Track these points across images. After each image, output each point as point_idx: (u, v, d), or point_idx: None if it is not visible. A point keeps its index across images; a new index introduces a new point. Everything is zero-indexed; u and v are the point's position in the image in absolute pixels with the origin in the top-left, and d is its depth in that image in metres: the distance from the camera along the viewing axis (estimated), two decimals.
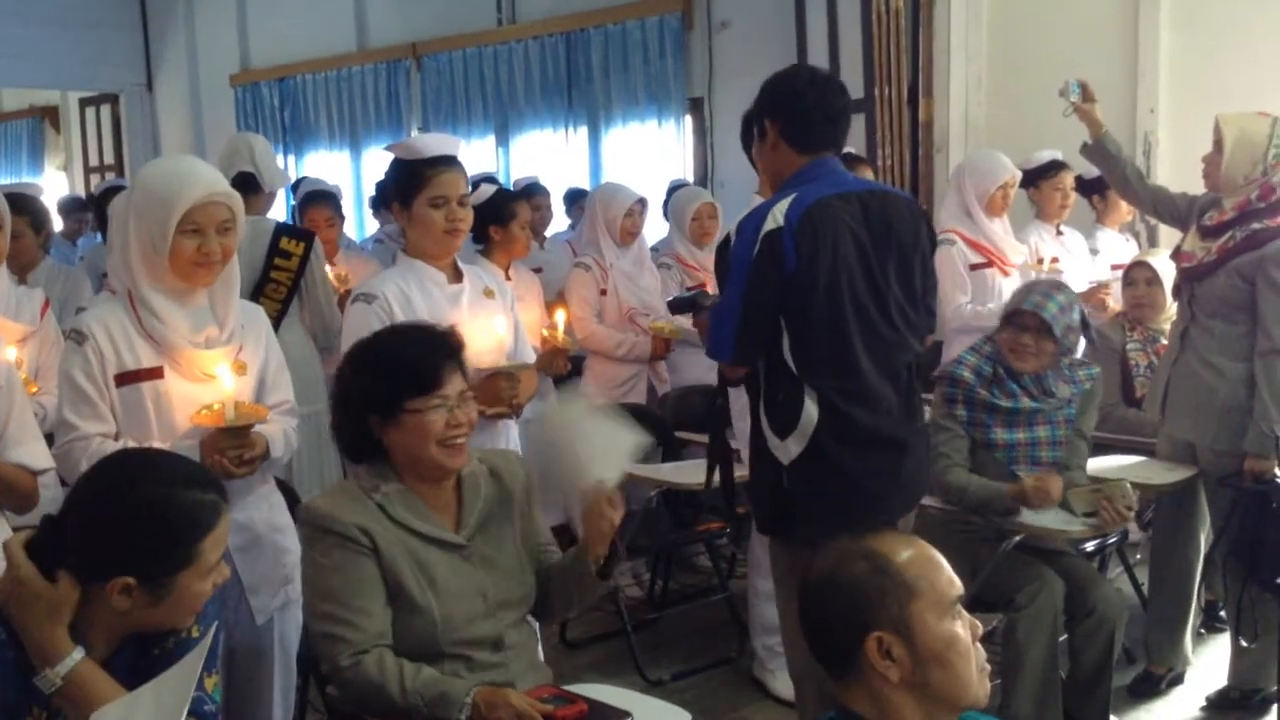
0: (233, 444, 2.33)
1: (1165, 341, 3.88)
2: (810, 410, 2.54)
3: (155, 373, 2.37)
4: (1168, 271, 3.95)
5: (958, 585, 1.60)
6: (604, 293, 4.67)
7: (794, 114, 2.60)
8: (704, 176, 7.10)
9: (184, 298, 2.40)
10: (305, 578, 2.20)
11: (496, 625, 2.21)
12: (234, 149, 4.14)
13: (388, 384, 2.16)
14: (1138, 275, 4.23)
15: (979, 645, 1.59)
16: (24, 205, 3.93)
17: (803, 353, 2.55)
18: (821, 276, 2.51)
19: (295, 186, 7.62)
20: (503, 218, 4.14)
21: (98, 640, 1.72)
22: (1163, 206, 3.78)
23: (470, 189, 4.85)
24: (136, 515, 1.69)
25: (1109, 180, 4.00)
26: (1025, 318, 3.22)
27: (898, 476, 2.65)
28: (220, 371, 2.35)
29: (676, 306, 3.87)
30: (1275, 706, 3.37)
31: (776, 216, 2.50)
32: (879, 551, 1.59)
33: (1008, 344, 3.25)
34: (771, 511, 2.68)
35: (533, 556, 2.34)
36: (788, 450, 2.58)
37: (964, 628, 1.57)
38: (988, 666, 1.60)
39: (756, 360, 2.62)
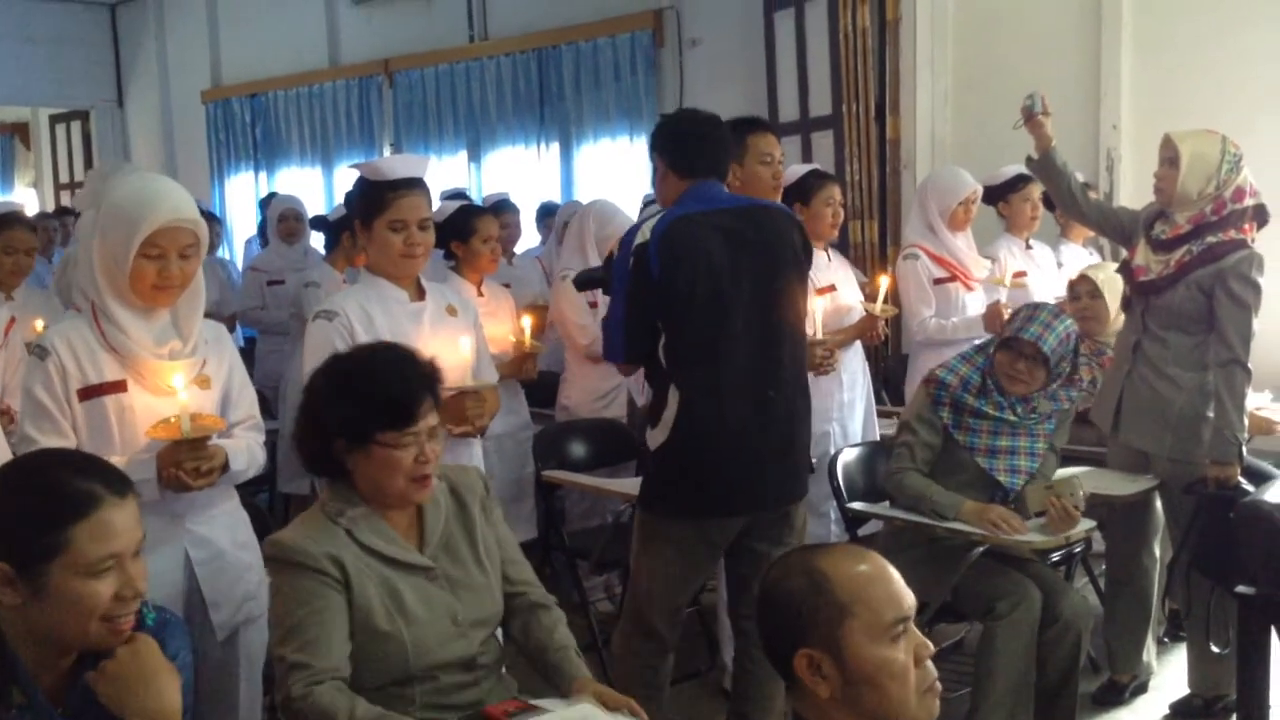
0: (189, 456, 2.33)
1: (1112, 354, 3.92)
2: (672, 404, 2.86)
3: (118, 386, 2.37)
4: (1111, 284, 4.01)
5: (903, 605, 1.58)
6: (594, 305, 4.66)
7: (675, 147, 2.96)
8: None
9: (148, 311, 2.41)
10: (271, 606, 2.17)
11: (469, 645, 2.20)
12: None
13: (361, 413, 2.11)
14: (1080, 288, 4.28)
15: (928, 664, 1.58)
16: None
17: (671, 351, 2.87)
18: (681, 284, 2.82)
19: (266, 202, 7.65)
20: (464, 234, 4.14)
21: (39, 657, 1.69)
22: (1106, 221, 3.84)
23: (443, 201, 4.89)
24: (5, 496, 1.65)
25: (1053, 195, 4.03)
26: (1024, 345, 3.24)
27: (754, 470, 2.89)
28: (177, 382, 2.34)
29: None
30: (1236, 714, 3.40)
31: (645, 232, 2.86)
32: (820, 569, 1.59)
33: (1002, 367, 3.28)
34: (643, 491, 3.03)
35: (498, 570, 2.33)
36: (655, 438, 2.91)
37: (904, 650, 1.56)
38: (938, 686, 1.59)
39: (646, 358, 2.94)
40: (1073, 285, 4.36)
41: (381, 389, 2.13)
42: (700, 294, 2.83)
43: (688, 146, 2.95)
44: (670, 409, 2.86)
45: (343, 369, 2.22)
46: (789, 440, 2.97)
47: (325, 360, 2.28)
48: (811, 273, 4.00)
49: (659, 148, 2.99)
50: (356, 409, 2.12)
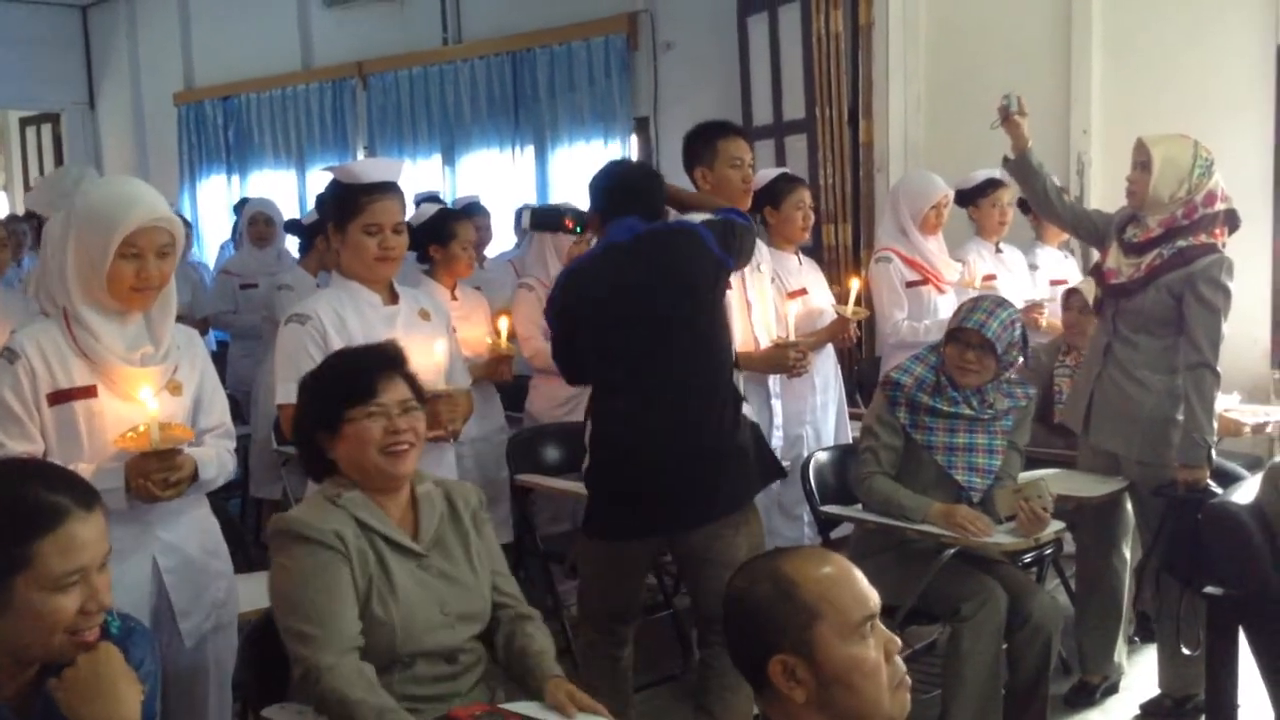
0: (158, 467, 2.31)
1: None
2: (589, 427, 3.07)
3: (89, 391, 2.35)
4: None
5: (869, 604, 1.60)
6: None
7: (602, 194, 3.16)
8: None
9: (120, 316, 2.39)
10: (273, 589, 2.19)
11: (454, 636, 2.24)
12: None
13: (327, 395, 2.25)
14: (1072, 302, 4.33)
15: (897, 660, 1.60)
16: None
17: (592, 379, 3.09)
18: (585, 316, 3.03)
19: (241, 206, 7.61)
20: (443, 237, 4.13)
21: (1, 667, 1.68)
22: (1080, 223, 3.87)
23: (416, 206, 4.88)
24: None
25: (1028, 196, 4.06)
26: (969, 335, 3.28)
27: (667, 492, 2.97)
28: (145, 394, 2.33)
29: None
30: (1205, 713, 3.43)
31: (564, 272, 3.19)
32: (785, 573, 1.59)
33: (952, 360, 3.32)
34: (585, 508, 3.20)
35: (489, 576, 2.36)
36: (586, 461, 3.11)
37: (874, 647, 1.57)
38: (908, 680, 1.61)
39: (586, 381, 3.15)
40: (1065, 298, 4.41)
41: (342, 370, 2.30)
42: (598, 324, 3.01)
43: (613, 192, 3.13)
44: (589, 432, 3.07)
45: (314, 372, 2.39)
46: (711, 455, 2.99)
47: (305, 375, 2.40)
48: (783, 276, 4.05)
49: (593, 199, 3.18)
50: (323, 393, 2.27)
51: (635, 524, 3.03)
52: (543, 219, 3.78)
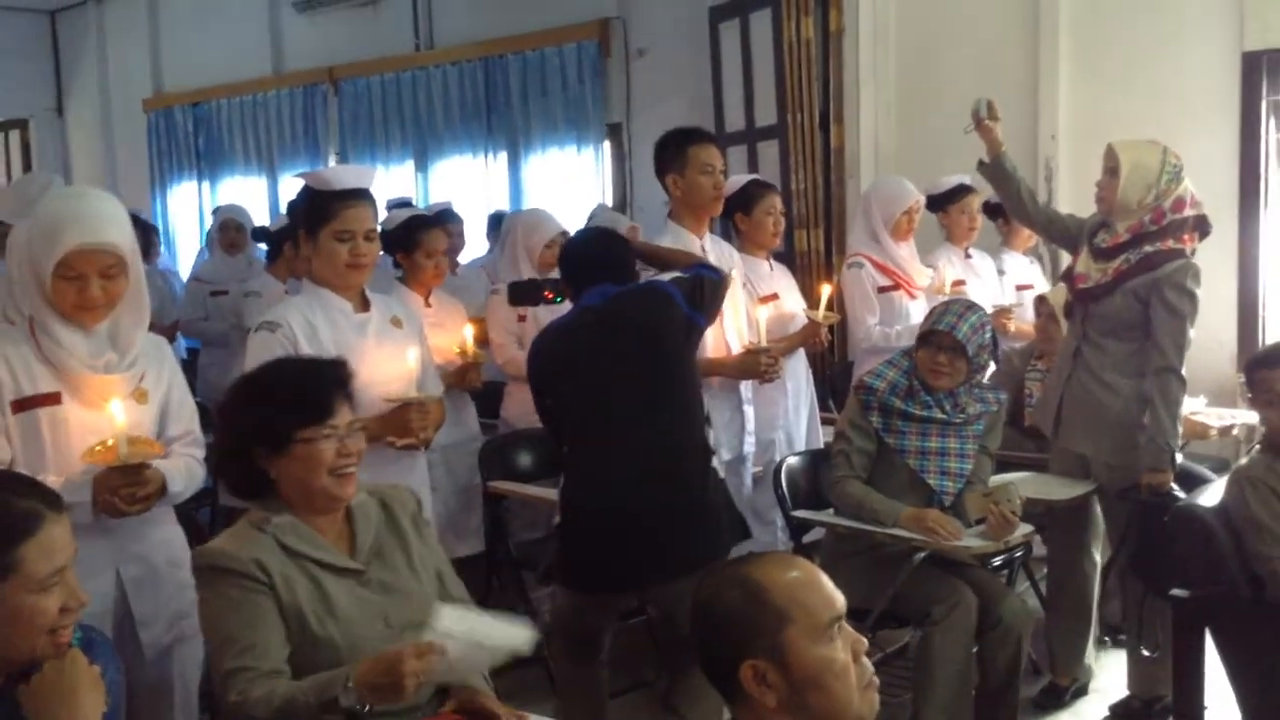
0: (125, 482, 2.29)
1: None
2: (562, 482, 3.14)
3: (53, 398, 2.33)
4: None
5: (836, 605, 1.61)
6: (522, 318, 4.66)
7: (572, 268, 3.26)
8: (623, 201, 7.16)
9: (84, 326, 2.37)
10: (201, 620, 2.15)
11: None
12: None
13: (278, 414, 2.13)
14: (1041, 309, 4.37)
15: (864, 660, 1.61)
16: None
17: (566, 437, 3.15)
18: (560, 376, 3.11)
19: (216, 213, 7.56)
20: (407, 246, 4.12)
21: None
22: (1054, 228, 3.90)
23: (388, 212, 4.86)
24: None
25: (1003, 200, 4.09)
26: (940, 337, 3.31)
27: (636, 549, 2.99)
28: (114, 408, 2.30)
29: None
30: (1172, 714, 3.46)
31: (540, 333, 3.26)
32: (753, 579, 1.60)
33: (924, 363, 3.34)
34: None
35: (434, 581, 2.32)
36: (558, 516, 3.18)
37: (842, 648, 1.58)
38: (875, 680, 1.62)
39: (563, 439, 3.19)
40: (1037, 304, 4.45)
41: (295, 387, 2.17)
42: (570, 388, 3.09)
43: (581, 265, 3.23)
44: (560, 489, 3.15)
45: (254, 379, 2.27)
46: (683, 510, 3.02)
47: (235, 379, 2.29)
48: (754, 281, 4.07)
49: (563, 275, 3.31)
50: (273, 411, 2.13)
51: (607, 579, 3.09)
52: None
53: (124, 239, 2.37)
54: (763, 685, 1.57)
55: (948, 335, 3.29)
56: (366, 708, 1.94)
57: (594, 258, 3.23)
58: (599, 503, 3.04)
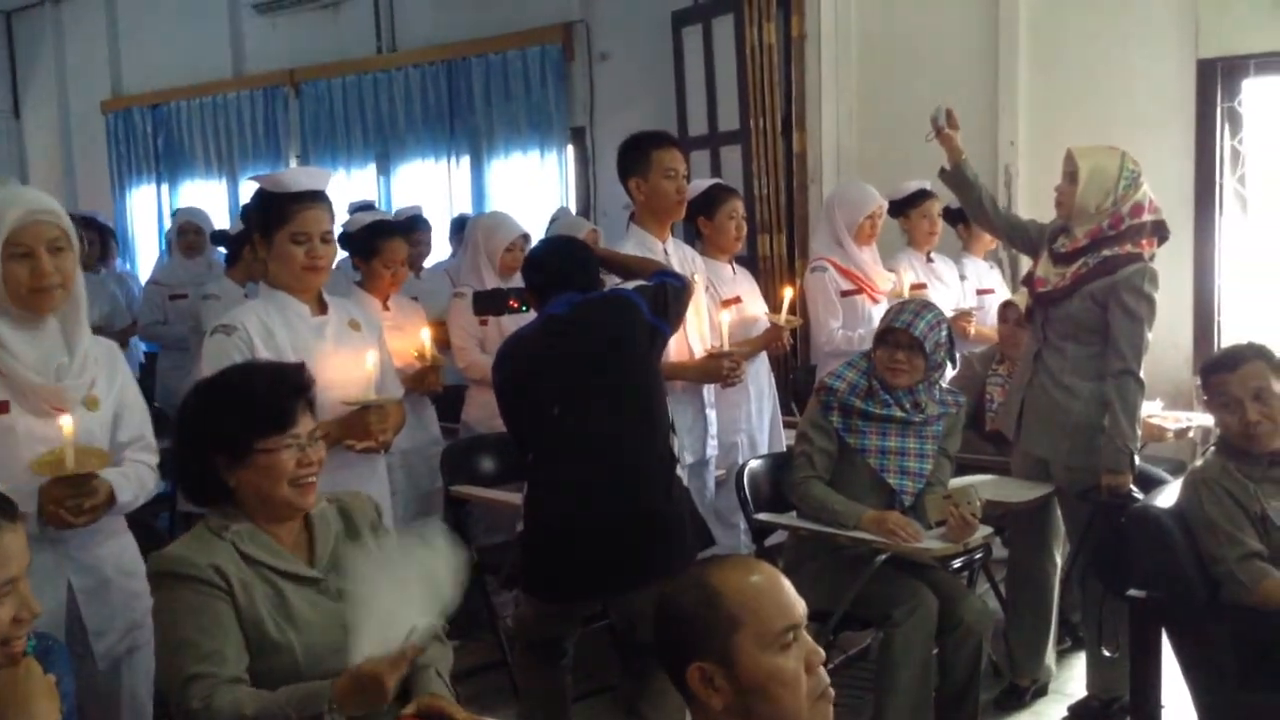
0: (71, 494, 2.26)
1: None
2: (526, 490, 3.15)
3: (1, 407, 2.29)
4: None
5: (792, 614, 1.60)
6: (484, 322, 4.64)
7: (535, 279, 3.25)
8: (586, 205, 7.16)
9: (32, 330, 2.33)
10: (157, 626, 2.12)
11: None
12: None
13: (239, 423, 2.11)
14: (1008, 314, 4.40)
15: (820, 672, 1.60)
16: None
17: (531, 446, 3.13)
18: (525, 385, 3.10)
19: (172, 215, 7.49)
20: (366, 253, 4.09)
21: None
22: (1015, 233, 3.93)
23: (350, 215, 4.83)
24: None
25: (964, 206, 4.12)
26: (898, 335, 3.34)
27: (603, 556, 2.98)
28: (63, 419, 2.27)
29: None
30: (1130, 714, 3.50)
31: (505, 343, 3.24)
32: (710, 582, 1.60)
33: (882, 362, 3.37)
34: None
35: None
36: (522, 524, 3.19)
37: (795, 657, 1.58)
38: (830, 692, 1.61)
39: (529, 447, 3.17)
40: (1002, 309, 4.48)
41: (256, 396, 2.15)
42: (534, 396, 3.08)
43: (550, 275, 3.20)
44: (524, 498, 3.16)
45: (214, 385, 2.23)
46: (647, 519, 3.02)
47: (193, 386, 2.26)
48: (716, 285, 4.08)
49: (526, 282, 3.30)
50: (234, 419, 2.12)
51: (570, 587, 3.08)
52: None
53: (64, 215, 2.35)
54: (709, 688, 1.57)
55: (905, 333, 3.32)
56: None
57: (558, 266, 3.22)
58: (562, 511, 3.03)
